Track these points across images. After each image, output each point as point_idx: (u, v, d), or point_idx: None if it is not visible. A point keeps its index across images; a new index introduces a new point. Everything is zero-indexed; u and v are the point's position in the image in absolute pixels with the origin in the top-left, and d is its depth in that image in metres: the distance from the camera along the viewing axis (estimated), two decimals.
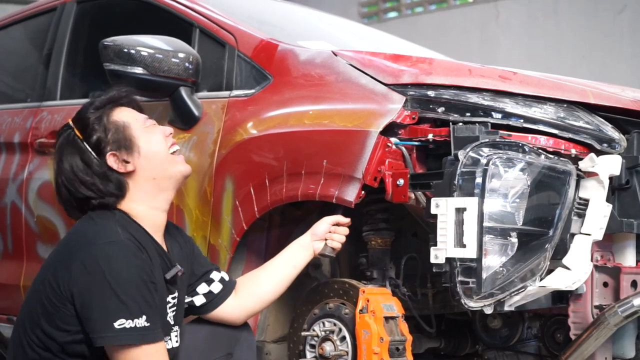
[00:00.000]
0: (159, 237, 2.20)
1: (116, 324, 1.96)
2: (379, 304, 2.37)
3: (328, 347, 2.43)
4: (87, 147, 2.14)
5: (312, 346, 2.48)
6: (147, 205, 2.17)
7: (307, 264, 2.46)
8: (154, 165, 2.17)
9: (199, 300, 2.35)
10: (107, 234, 2.04)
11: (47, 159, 3.32)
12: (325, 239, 2.43)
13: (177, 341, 2.24)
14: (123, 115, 2.19)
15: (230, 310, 2.36)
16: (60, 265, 2.04)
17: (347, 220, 2.45)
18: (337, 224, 2.44)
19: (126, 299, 1.97)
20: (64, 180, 2.15)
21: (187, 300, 2.34)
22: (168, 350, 2.12)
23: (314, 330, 2.47)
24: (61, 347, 2.04)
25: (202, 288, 2.35)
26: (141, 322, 1.98)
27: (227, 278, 2.40)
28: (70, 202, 2.17)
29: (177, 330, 2.24)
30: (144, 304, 2.01)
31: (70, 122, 2.19)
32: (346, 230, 2.45)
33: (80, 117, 2.18)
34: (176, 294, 2.22)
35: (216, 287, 2.36)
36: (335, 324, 2.44)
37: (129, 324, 1.97)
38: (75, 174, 2.13)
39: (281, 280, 2.41)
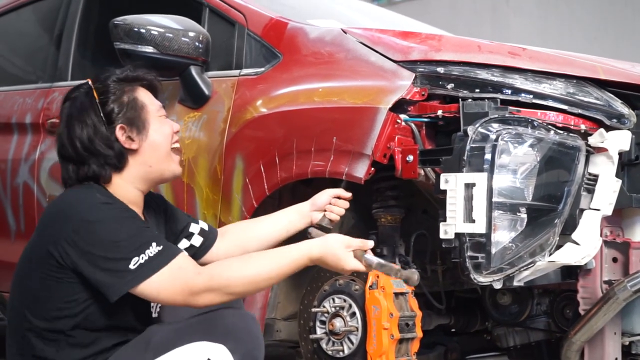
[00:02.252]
0: (137, 210, 2.17)
1: (130, 266, 1.97)
2: (389, 280, 2.38)
3: (338, 323, 2.45)
4: (100, 110, 2.12)
5: (323, 322, 2.49)
6: (132, 185, 2.16)
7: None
8: (154, 155, 2.16)
9: None
10: (88, 202, 2.04)
11: None
12: (325, 210, 2.40)
13: (157, 311, 2.24)
14: (142, 96, 2.19)
15: (216, 258, 2.33)
16: (51, 239, 2.02)
17: (349, 194, 2.43)
18: (339, 197, 2.42)
19: (127, 240, 1.98)
20: (71, 135, 2.12)
21: None
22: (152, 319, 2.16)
23: (324, 306, 2.49)
24: (73, 320, 2.03)
25: (184, 243, 2.34)
26: (153, 249, 1.99)
27: (207, 228, 2.38)
28: (70, 161, 2.13)
29: None
30: (146, 234, 2.01)
31: (90, 82, 2.17)
32: (346, 204, 2.42)
33: (102, 81, 2.16)
34: None
35: (197, 240, 2.35)
36: (345, 300, 2.45)
37: (142, 258, 1.97)
38: (83, 131, 2.11)
39: (270, 240, 2.38)
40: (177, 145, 2.22)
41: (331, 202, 2.40)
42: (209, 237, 2.37)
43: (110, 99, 2.13)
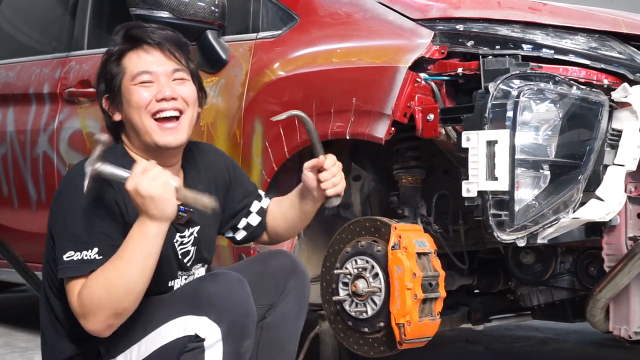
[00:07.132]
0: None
1: (65, 256, 1.89)
2: (411, 240, 2.36)
3: (361, 284, 2.44)
4: (104, 78, 2.02)
5: (345, 284, 2.48)
6: (139, 153, 2.03)
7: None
8: (133, 128, 2.00)
9: (240, 235, 2.29)
10: (75, 170, 1.97)
11: (76, 108, 3.34)
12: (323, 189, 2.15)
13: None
14: (133, 60, 1.99)
15: (265, 238, 2.32)
16: None
17: (321, 159, 2.11)
18: (321, 170, 2.13)
19: (74, 231, 1.90)
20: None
21: (229, 235, 2.28)
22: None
23: (346, 268, 2.48)
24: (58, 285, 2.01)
25: (242, 223, 2.27)
26: (90, 254, 1.88)
27: (265, 206, 2.28)
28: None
29: (199, 268, 2.15)
30: (98, 237, 1.90)
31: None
32: (334, 170, 2.13)
33: (110, 48, 2.02)
34: (187, 232, 2.09)
35: (254, 220, 2.27)
36: (367, 261, 2.44)
37: (76, 256, 1.88)
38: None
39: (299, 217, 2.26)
40: (167, 113, 1.97)
41: (320, 179, 2.11)
42: (265, 219, 2.28)
43: (111, 60, 2.01)
